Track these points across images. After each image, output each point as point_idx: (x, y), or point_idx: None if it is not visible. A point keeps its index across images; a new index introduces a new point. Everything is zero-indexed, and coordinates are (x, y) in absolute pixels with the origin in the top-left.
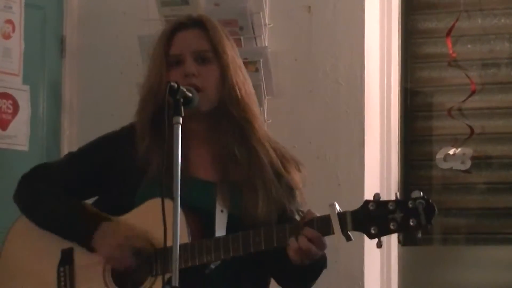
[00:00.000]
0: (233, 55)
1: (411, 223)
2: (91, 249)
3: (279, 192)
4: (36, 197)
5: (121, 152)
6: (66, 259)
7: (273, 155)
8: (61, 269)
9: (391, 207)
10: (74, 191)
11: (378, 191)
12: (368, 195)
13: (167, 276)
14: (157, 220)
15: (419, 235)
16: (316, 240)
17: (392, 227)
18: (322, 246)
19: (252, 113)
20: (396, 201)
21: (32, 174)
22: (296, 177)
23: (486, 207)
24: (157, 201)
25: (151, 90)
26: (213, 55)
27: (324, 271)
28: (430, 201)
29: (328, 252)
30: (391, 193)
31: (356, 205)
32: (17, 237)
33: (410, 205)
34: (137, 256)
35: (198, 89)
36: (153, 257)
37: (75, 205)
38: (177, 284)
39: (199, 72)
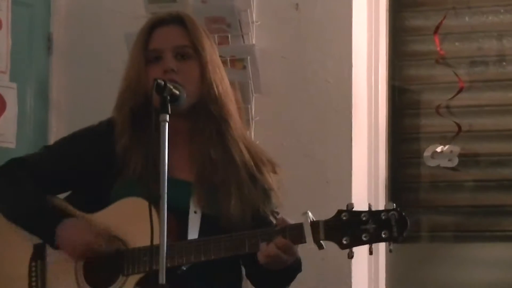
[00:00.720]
0: (211, 52)
1: (383, 235)
2: (54, 246)
3: (252, 193)
4: (5, 192)
5: (97, 148)
6: (39, 254)
7: (247, 156)
8: (33, 263)
9: (364, 218)
10: (48, 185)
11: (366, 188)
12: (356, 193)
13: (139, 276)
14: (131, 219)
15: (391, 247)
16: (286, 248)
17: (364, 238)
18: (292, 254)
19: (229, 111)
20: (369, 212)
21: (6, 168)
22: (270, 179)
23: (474, 205)
24: (131, 200)
25: (129, 86)
26: (193, 51)
27: (312, 269)
28: (403, 213)
29: (315, 249)
30: (378, 190)
31: (343, 203)
32: None
33: (383, 217)
34: (97, 253)
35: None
36: (124, 255)
37: (40, 201)
38: (164, 282)
39: (178, 68)
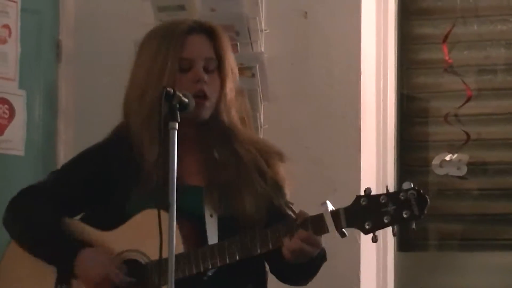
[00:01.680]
0: (233, 65)
1: (405, 215)
2: (74, 277)
3: (264, 189)
4: (20, 223)
5: (108, 163)
6: (63, 277)
7: (256, 154)
8: (58, 287)
9: (383, 201)
10: (62, 209)
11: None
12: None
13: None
14: (149, 231)
15: (414, 226)
16: (310, 240)
17: (386, 220)
18: (317, 245)
19: (235, 121)
20: (387, 194)
21: (19, 198)
22: (281, 171)
23: (481, 213)
24: (148, 212)
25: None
26: (217, 64)
27: (320, 276)
28: (421, 191)
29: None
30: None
31: None
32: (14, 254)
33: (402, 197)
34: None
35: (205, 96)
36: (148, 269)
37: (57, 230)
38: None
39: (207, 80)
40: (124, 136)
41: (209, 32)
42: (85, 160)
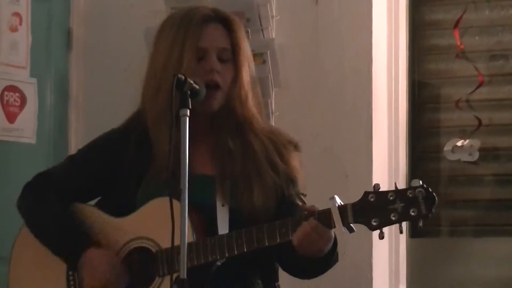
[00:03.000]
0: (248, 55)
1: (412, 213)
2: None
3: (275, 181)
4: (32, 210)
5: (121, 150)
6: (72, 265)
7: (270, 145)
8: (70, 272)
9: (391, 198)
10: (77, 195)
11: (386, 183)
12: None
13: (174, 275)
14: (161, 219)
15: (421, 224)
16: (318, 230)
17: (393, 217)
18: (327, 236)
19: (253, 115)
20: (395, 191)
21: (33, 184)
22: (295, 163)
23: (493, 199)
24: (160, 201)
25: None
26: (231, 54)
27: None
28: (430, 189)
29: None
30: (399, 184)
31: None
32: (27, 240)
33: (410, 195)
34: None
35: (218, 86)
36: (158, 256)
37: (66, 224)
38: (185, 277)
39: (220, 70)
40: (140, 123)
41: (225, 22)
42: (100, 146)
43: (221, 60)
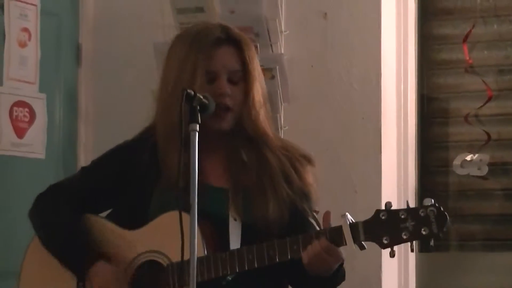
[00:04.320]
0: (259, 74)
1: (423, 232)
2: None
3: (289, 195)
4: (43, 221)
5: (137, 164)
6: (80, 278)
7: (286, 162)
8: (80, 283)
9: (402, 216)
10: (89, 206)
11: (395, 197)
12: (385, 202)
13: None
14: (172, 233)
15: (432, 243)
16: (329, 250)
17: (404, 236)
18: (337, 257)
19: (266, 133)
20: (407, 209)
21: (46, 195)
22: (309, 179)
23: (503, 213)
24: (171, 214)
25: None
26: (242, 75)
27: None
28: (442, 209)
29: (345, 257)
30: (408, 200)
31: (372, 212)
32: (37, 250)
33: (422, 214)
34: None
35: (228, 109)
36: (169, 270)
37: (76, 238)
38: None
39: (231, 92)
40: (152, 136)
41: (236, 43)
42: (113, 158)
43: (232, 81)
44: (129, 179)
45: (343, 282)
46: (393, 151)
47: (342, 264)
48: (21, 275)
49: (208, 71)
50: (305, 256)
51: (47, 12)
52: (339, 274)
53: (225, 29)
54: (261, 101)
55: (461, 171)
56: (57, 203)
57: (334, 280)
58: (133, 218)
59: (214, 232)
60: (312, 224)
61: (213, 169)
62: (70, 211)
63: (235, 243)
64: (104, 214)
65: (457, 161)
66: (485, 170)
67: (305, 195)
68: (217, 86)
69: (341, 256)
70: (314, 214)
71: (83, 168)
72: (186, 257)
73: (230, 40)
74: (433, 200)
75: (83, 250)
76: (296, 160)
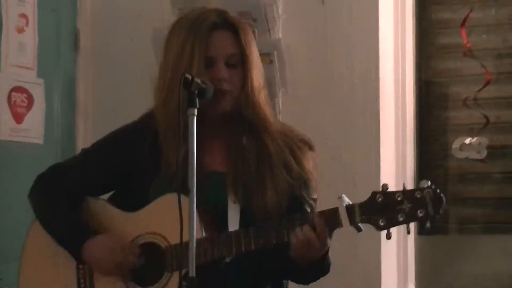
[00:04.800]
0: (257, 58)
1: (419, 214)
2: (81, 262)
3: (288, 182)
4: (41, 202)
5: (138, 147)
6: (76, 257)
7: (285, 148)
8: (80, 266)
9: (398, 198)
10: (90, 188)
11: (393, 182)
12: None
13: (183, 271)
14: (171, 215)
15: (428, 225)
16: (321, 235)
17: (400, 218)
18: (324, 240)
19: (266, 118)
20: (403, 191)
21: (46, 175)
22: (309, 165)
23: (502, 197)
24: (170, 197)
25: None
26: (240, 59)
27: (341, 261)
28: (438, 190)
29: (344, 242)
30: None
31: None
32: (38, 233)
33: (418, 195)
34: (121, 268)
35: (226, 92)
36: (167, 252)
37: (71, 216)
38: (194, 275)
39: (228, 76)
40: (151, 122)
41: (232, 27)
42: (114, 141)
43: (229, 65)
44: (130, 163)
45: (344, 265)
46: (392, 143)
47: (327, 254)
48: (22, 258)
49: (206, 57)
50: (293, 238)
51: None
52: (325, 264)
53: (222, 14)
54: (260, 85)
55: (460, 155)
56: (57, 185)
57: (318, 269)
58: (133, 202)
59: (213, 216)
60: (307, 213)
61: (214, 155)
62: (70, 193)
63: (233, 227)
64: (105, 197)
65: (456, 145)
66: (484, 154)
67: (304, 182)
68: (215, 71)
69: (326, 243)
70: (312, 202)
71: (83, 150)
72: (184, 239)
73: (227, 24)
74: (429, 182)
75: (76, 230)
76: (295, 146)
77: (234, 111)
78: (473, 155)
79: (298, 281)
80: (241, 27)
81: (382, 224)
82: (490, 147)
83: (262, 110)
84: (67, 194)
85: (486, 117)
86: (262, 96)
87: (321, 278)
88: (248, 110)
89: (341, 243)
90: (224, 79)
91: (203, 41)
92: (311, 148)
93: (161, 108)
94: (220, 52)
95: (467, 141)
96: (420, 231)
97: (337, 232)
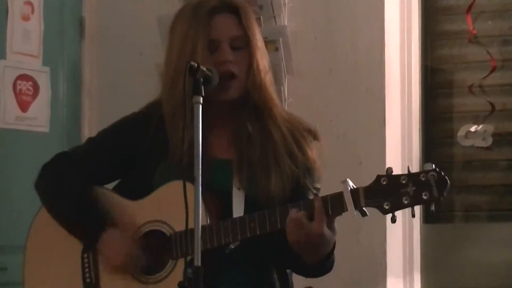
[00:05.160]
0: (260, 41)
1: (424, 197)
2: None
3: (292, 170)
4: (50, 190)
5: (143, 135)
6: (90, 245)
7: (288, 136)
8: (85, 255)
9: (403, 181)
10: (95, 176)
11: (399, 169)
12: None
13: (188, 258)
14: (175, 203)
15: (433, 207)
16: (317, 214)
17: (405, 201)
18: (319, 224)
19: (272, 100)
20: (408, 174)
21: (52, 164)
22: (313, 154)
23: (507, 184)
24: (175, 184)
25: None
26: (245, 41)
27: (346, 250)
28: (442, 173)
29: (349, 229)
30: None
31: None
32: (42, 223)
33: (422, 178)
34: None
35: (233, 76)
36: (172, 239)
37: (84, 205)
38: (199, 263)
39: (233, 59)
40: (158, 111)
41: (234, 9)
42: (120, 129)
43: (234, 48)
44: (136, 152)
45: (350, 254)
46: (397, 123)
47: (332, 252)
48: (26, 249)
49: (210, 40)
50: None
51: None
52: (328, 262)
53: (225, 0)
54: (266, 67)
55: (465, 142)
56: (64, 172)
57: (319, 266)
58: (138, 190)
59: (218, 203)
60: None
61: (219, 142)
62: (76, 180)
63: (238, 213)
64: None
65: (461, 132)
66: (489, 141)
67: (308, 171)
68: (220, 54)
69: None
70: (315, 191)
71: (89, 139)
72: (189, 226)
73: (227, 7)
74: (433, 165)
75: (92, 217)
76: (298, 134)
77: (241, 97)
78: (479, 142)
79: (297, 272)
80: (242, 9)
81: (387, 207)
82: (495, 135)
83: (268, 92)
84: (76, 179)
85: (491, 104)
86: (268, 79)
87: None
88: (255, 92)
89: (344, 231)
90: (230, 61)
91: (204, 24)
92: (316, 137)
93: (167, 95)
94: (223, 35)
95: (473, 129)
96: (426, 219)
97: (341, 218)
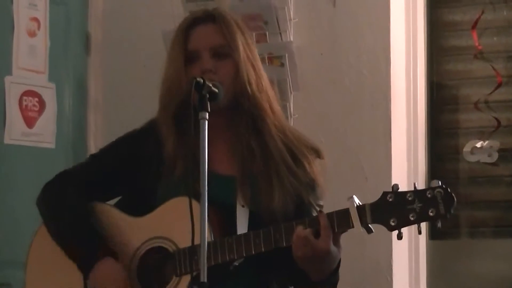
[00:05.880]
0: (245, 50)
1: (430, 213)
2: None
3: (294, 186)
4: (50, 211)
5: (142, 151)
6: (84, 272)
7: (284, 150)
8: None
9: (409, 198)
10: (96, 194)
11: (405, 185)
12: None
13: (192, 275)
14: (179, 219)
15: (439, 225)
16: (323, 231)
17: (411, 218)
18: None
19: (264, 110)
20: (414, 191)
21: (53, 183)
22: (312, 170)
23: None
24: (178, 200)
25: (170, 88)
26: (229, 49)
27: (352, 265)
28: (449, 190)
29: (355, 245)
30: (418, 187)
31: None
32: (44, 241)
33: (429, 195)
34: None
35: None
36: (176, 256)
37: (82, 228)
38: (205, 280)
39: (216, 67)
40: (155, 126)
41: (215, 19)
42: (121, 145)
43: (219, 56)
44: (137, 168)
45: (355, 269)
46: (403, 138)
47: (337, 269)
48: (27, 264)
49: (189, 51)
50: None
51: (56, 1)
52: (333, 279)
53: (206, 10)
54: (253, 75)
55: (471, 158)
56: (65, 192)
57: (326, 284)
58: (141, 207)
59: (222, 220)
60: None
61: (219, 156)
62: (75, 201)
63: (242, 230)
64: (112, 202)
65: (467, 148)
66: (495, 157)
67: (310, 187)
68: (200, 64)
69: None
70: (318, 208)
71: (91, 156)
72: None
73: (209, 17)
74: (440, 182)
75: (86, 244)
76: (298, 150)
77: (231, 105)
78: (484, 158)
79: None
80: (221, 17)
81: (393, 224)
82: (501, 150)
83: (257, 100)
84: (77, 199)
85: (497, 120)
86: (258, 90)
87: None
88: (244, 100)
89: (350, 246)
90: (209, 70)
91: (182, 38)
92: (319, 155)
93: (161, 110)
94: (202, 44)
95: (478, 144)
96: (432, 236)
97: (347, 234)
